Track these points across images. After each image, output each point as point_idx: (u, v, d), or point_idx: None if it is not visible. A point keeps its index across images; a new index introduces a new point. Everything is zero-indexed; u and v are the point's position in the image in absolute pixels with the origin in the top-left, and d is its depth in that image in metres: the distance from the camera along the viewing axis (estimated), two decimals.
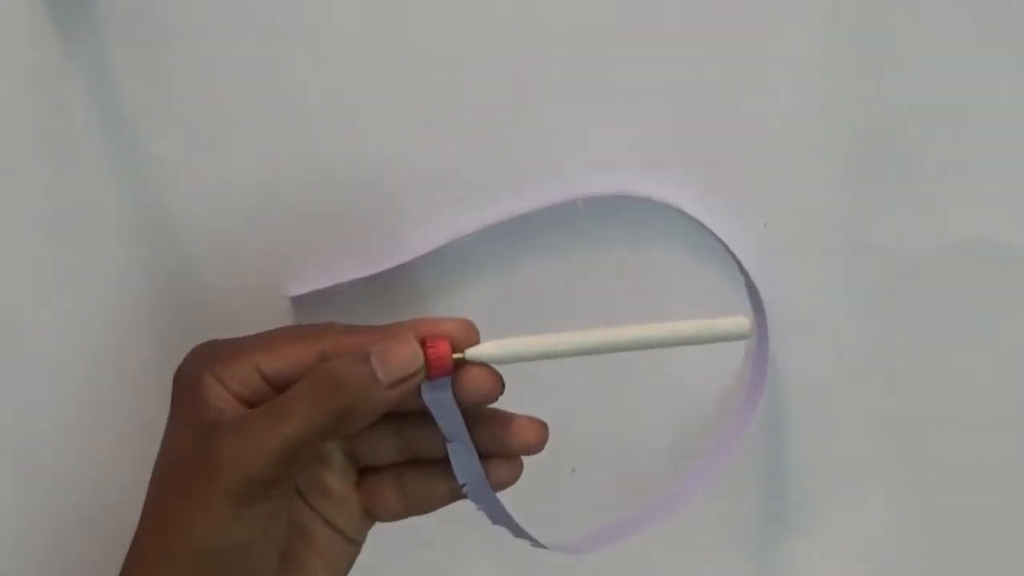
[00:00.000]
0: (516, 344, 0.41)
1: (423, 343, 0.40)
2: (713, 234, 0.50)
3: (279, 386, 0.40)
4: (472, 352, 0.41)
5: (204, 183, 0.48)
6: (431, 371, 0.40)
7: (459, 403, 0.42)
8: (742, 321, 0.42)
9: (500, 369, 0.42)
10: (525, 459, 0.53)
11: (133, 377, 0.49)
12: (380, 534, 0.45)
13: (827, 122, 0.50)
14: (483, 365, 0.41)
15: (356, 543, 0.44)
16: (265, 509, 0.39)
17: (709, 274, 0.52)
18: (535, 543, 0.46)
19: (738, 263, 0.50)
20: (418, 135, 0.48)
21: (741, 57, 0.49)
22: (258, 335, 0.42)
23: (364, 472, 0.44)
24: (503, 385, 0.42)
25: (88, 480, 0.50)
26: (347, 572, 0.44)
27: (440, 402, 0.41)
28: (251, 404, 0.40)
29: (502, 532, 0.46)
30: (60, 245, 0.48)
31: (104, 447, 0.50)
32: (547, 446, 0.52)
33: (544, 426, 0.43)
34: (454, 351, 0.41)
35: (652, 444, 0.54)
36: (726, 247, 0.50)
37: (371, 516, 0.44)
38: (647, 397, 0.53)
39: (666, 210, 0.50)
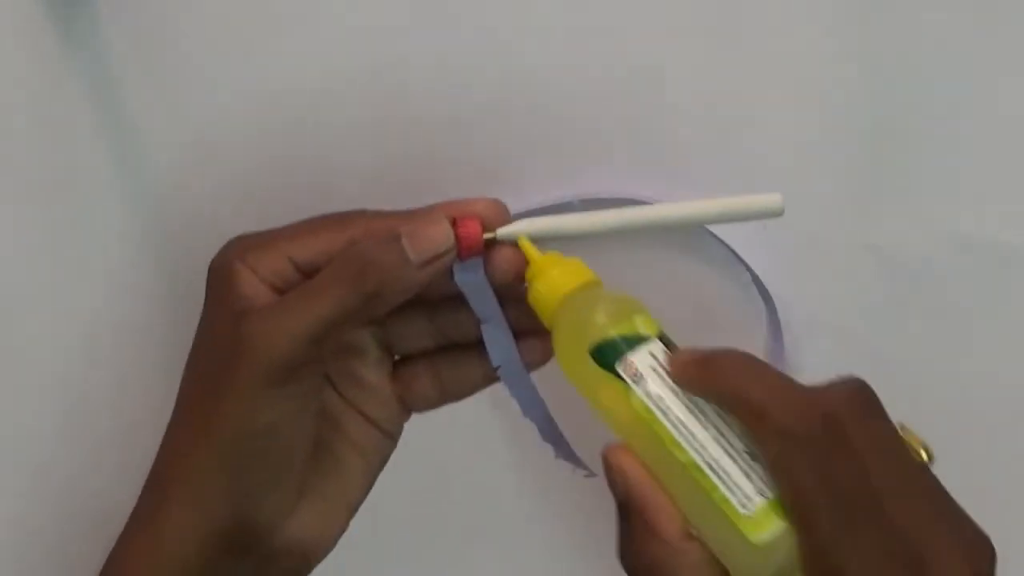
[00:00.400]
0: (547, 222, 0.41)
1: (454, 223, 0.40)
2: (713, 234, 0.50)
3: (310, 274, 0.40)
4: (503, 231, 0.41)
5: (205, 183, 0.48)
6: (462, 251, 0.40)
7: (491, 283, 0.41)
8: (775, 197, 0.41)
9: None
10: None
11: (133, 377, 0.49)
12: (383, 537, 0.45)
13: (827, 122, 0.50)
14: (514, 244, 0.41)
15: (391, 437, 0.44)
16: (295, 390, 0.39)
17: (709, 274, 0.52)
18: (560, 446, 0.46)
19: (744, 263, 0.50)
20: (419, 136, 0.48)
21: (741, 57, 0.49)
22: (289, 225, 0.41)
23: (398, 363, 0.44)
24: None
25: (87, 479, 0.50)
26: (381, 467, 0.44)
27: (472, 283, 0.41)
28: (283, 293, 0.40)
29: (503, 534, 0.45)
30: (60, 245, 0.48)
31: (104, 446, 0.50)
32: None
33: None
34: (485, 231, 0.40)
35: None
36: (726, 246, 0.50)
37: (406, 406, 0.44)
38: None
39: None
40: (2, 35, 0.45)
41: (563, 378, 0.41)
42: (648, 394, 0.37)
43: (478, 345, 0.43)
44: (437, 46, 0.48)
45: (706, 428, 0.37)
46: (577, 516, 0.54)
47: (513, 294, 0.42)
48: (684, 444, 0.36)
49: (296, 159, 0.48)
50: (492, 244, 0.41)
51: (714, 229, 0.50)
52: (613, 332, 0.38)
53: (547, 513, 0.54)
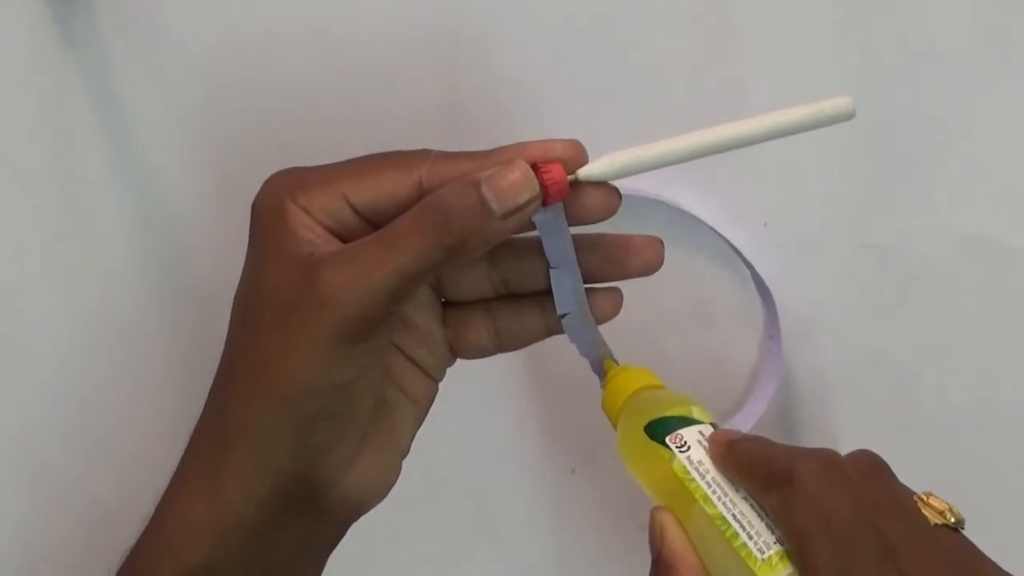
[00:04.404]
0: (629, 156, 0.39)
1: (535, 168, 0.37)
2: (715, 230, 0.50)
3: (369, 218, 0.38)
4: (584, 171, 0.38)
5: (205, 182, 0.48)
6: (547, 197, 0.37)
7: (574, 224, 0.39)
8: (845, 101, 0.39)
9: None
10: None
11: (133, 376, 0.49)
12: (377, 534, 0.45)
13: None
14: (597, 183, 0.39)
15: (436, 381, 0.42)
16: (370, 347, 0.37)
17: (712, 271, 0.52)
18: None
19: (746, 262, 0.50)
20: (424, 127, 0.48)
21: (742, 56, 0.49)
22: (344, 162, 0.38)
23: (448, 307, 0.42)
24: (620, 198, 0.39)
25: (88, 478, 0.50)
26: (427, 411, 0.42)
27: (551, 225, 0.39)
28: (341, 237, 0.37)
29: (501, 533, 0.45)
30: (60, 243, 0.48)
31: (104, 445, 0.50)
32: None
33: (662, 243, 0.41)
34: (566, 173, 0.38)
35: None
36: (729, 244, 0.50)
37: (454, 353, 0.42)
38: None
39: (664, 207, 0.50)
40: (2, 35, 0.46)
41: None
42: (689, 459, 0.38)
43: (538, 295, 0.41)
44: (443, 47, 0.48)
45: (737, 490, 0.38)
46: (577, 515, 0.54)
47: (588, 242, 0.41)
48: (714, 499, 0.38)
49: (298, 158, 0.48)
50: (574, 185, 0.38)
51: (717, 228, 0.50)
52: (669, 412, 0.40)
53: (548, 512, 0.54)
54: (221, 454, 0.38)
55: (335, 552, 0.43)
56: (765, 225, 0.51)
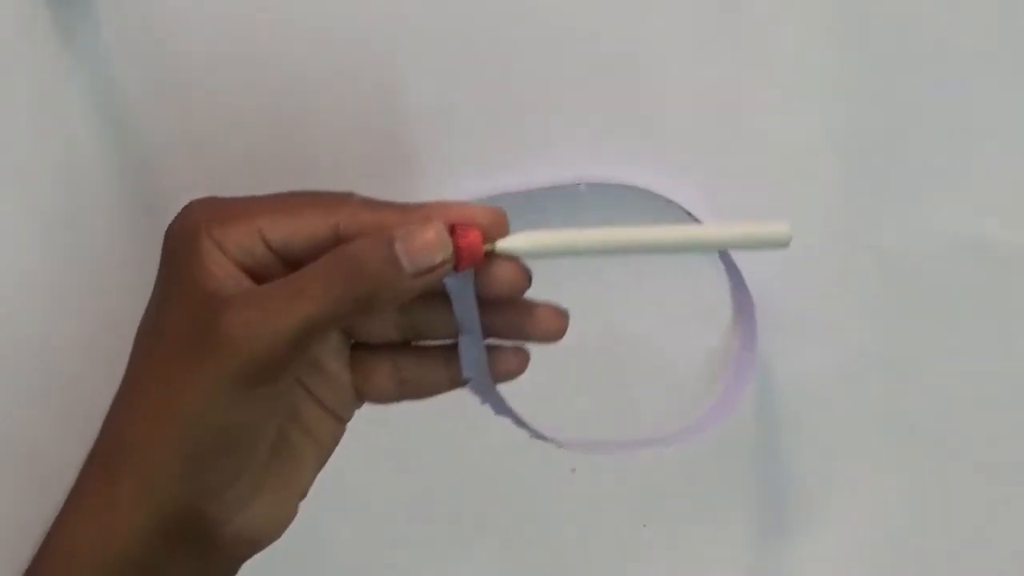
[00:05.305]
0: (548, 237, 0.39)
1: (452, 230, 0.37)
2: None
3: (284, 256, 0.38)
4: (503, 244, 0.38)
5: (205, 182, 0.48)
6: (460, 263, 0.37)
7: (480, 295, 0.39)
8: (781, 228, 0.39)
9: None
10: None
11: None
12: (376, 533, 0.45)
13: (827, 122, 0.50)
14: (512, 259, 0.39)
15: (343, 422, 0.42)
16: (269, 392, 0.37)
17: (704, 265, 0.52)
18: (535, 434, 0.45)
19: (731, 259, 0.50)
20: (428, 116, 0.48)
21: (742, 57, 0.49)
22: (265, 196, 0.38)
23: (356, 349, 0.42)
24: (530, 280, 0.39)
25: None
26: (332, 452, 0.41)
27: (460, 291, 0.39)
28: (252, 273, 0.37)
29: (501, 533, 0.45)
30: (59, 244, 0.48)
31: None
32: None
33: (565, 315, 0.41)
34: (484, 242, 0.38)
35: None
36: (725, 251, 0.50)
37: (361, 396, 0.42)
38: (647, 397, 0.53)
39: (666, 203, 0.50)
40: (2, 35, 0.45)
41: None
42: None
43: (446, 348, 0.41)
44: (448, 44, 0.48)
45: None
46: (577, 515, 0.54)
47: (492, 305, 0.40)
48: None
49: (298, 157, 0.48)
50: (489, 255, 0.38)
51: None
52: None
53: (548, 512, 0.54)
54: (111, 485, 0.37)
55: (335, 553, 0.43)
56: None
